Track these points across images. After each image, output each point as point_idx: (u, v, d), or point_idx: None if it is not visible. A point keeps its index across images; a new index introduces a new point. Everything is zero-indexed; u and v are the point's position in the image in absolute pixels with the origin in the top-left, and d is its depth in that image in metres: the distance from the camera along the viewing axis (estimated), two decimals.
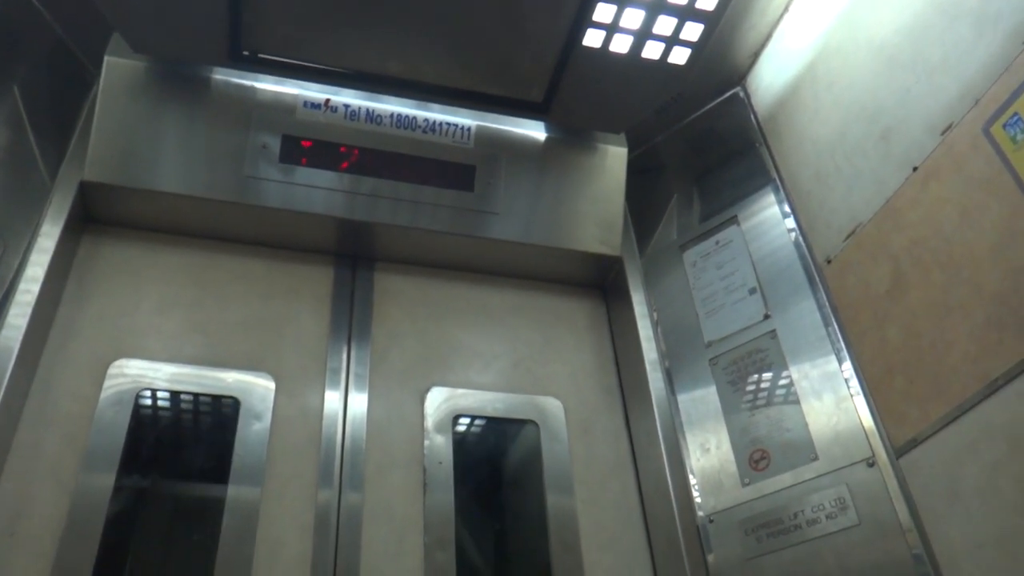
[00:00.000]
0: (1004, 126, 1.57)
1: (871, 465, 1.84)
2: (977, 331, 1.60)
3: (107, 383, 2.04)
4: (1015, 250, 1.53)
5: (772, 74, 2.40)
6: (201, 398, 2.12)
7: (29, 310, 1.95)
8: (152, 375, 2.08)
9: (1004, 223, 1.56)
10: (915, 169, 1.81)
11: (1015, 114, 1.55)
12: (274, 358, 2.22)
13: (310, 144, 2.29)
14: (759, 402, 2.12)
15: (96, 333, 2.12)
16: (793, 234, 2.22)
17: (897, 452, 1.80)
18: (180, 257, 2.32)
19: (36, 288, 1.99)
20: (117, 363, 2.07)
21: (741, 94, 2.54)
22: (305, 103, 2.30)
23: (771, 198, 2.33)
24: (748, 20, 2.37)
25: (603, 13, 2.06)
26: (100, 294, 2.19)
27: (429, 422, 2.24)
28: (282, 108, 2.28)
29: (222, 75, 2.25)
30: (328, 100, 2.32)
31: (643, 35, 2.12)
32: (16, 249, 2.06)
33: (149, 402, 2.08)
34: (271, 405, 2.13)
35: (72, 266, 2.21)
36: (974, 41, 1.68)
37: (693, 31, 2.12)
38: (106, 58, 2.17)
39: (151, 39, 2.12)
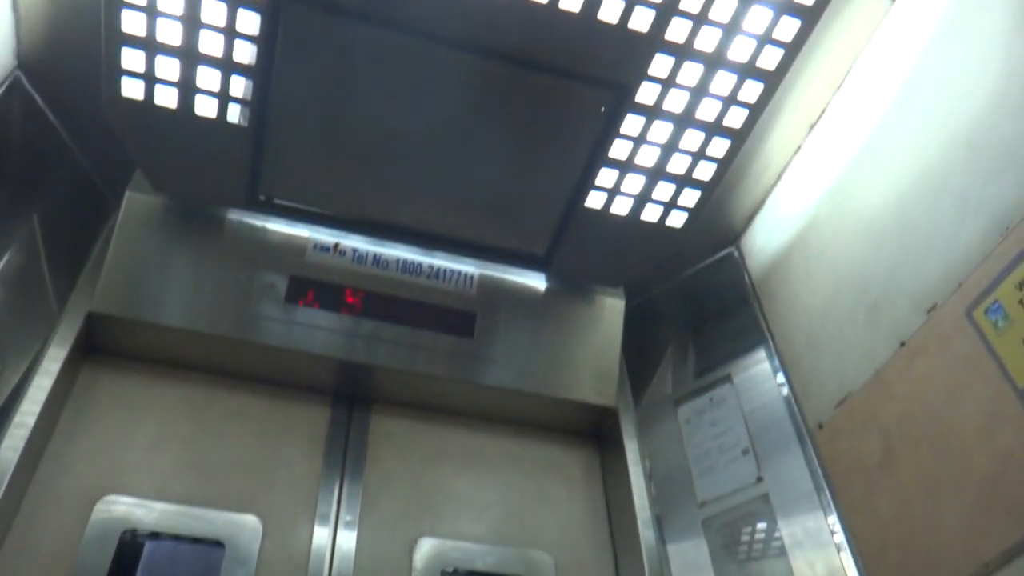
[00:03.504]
0: (986, 312, 1.63)
1: None
2: (968, 511, 1.60)
3: (93, 518, 2.01)
4: (1001, 434, 1.56)
5: (765, 238, 2.50)
6: (186, 540, 2.08)
7: (22, 443, 1.93)
8: (139, 513, 2.05)
9: (990, 406, 1.59)
10: (903, 344, 1.86)
11: (996, 301, 1.62)
12: (264, 500, 2.19)
13: (316, 286, 2.34)
14: (751, 567, 2.10)
15: (87, 467, 2.10)
16: (786, 397, 2.26)
17: None
18: (178, 391, 2.33)
19: (32, 419, 1.99)
20: (105, 499, 2.05)
21: (736, 254, 2.63)
22: (315, 246, 2.37)
23: (764, 359, 2.38)
24: (743, 187, 2.48)
25: (605, 178, 2.18)
26: (95, 426, 2.19)
27: (417, 574, 2.20)
28: (292, 250, 2.35)
29: (236, 215, 2.33)
30: (337, 244, 2.39)
31: (643, 199, 2.22)
32: (14, 371, 2.08)
33: (132, 541, 2.04)
34: (257, 549, 2.09)
35: (70, 395, 2.22)
36: (957, 226, 1.76)
37: (690, 197, 2.23)
38: (127, 193, 2.25)
39: (173, 180, 2.21)
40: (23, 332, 2.14)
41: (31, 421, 1.99)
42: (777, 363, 2.33)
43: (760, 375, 2.38)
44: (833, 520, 1.99)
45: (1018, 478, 1.51)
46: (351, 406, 2.49)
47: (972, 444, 1.62)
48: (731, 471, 2.28)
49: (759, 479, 2.21)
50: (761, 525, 2.14)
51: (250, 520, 2.14)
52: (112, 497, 2.06)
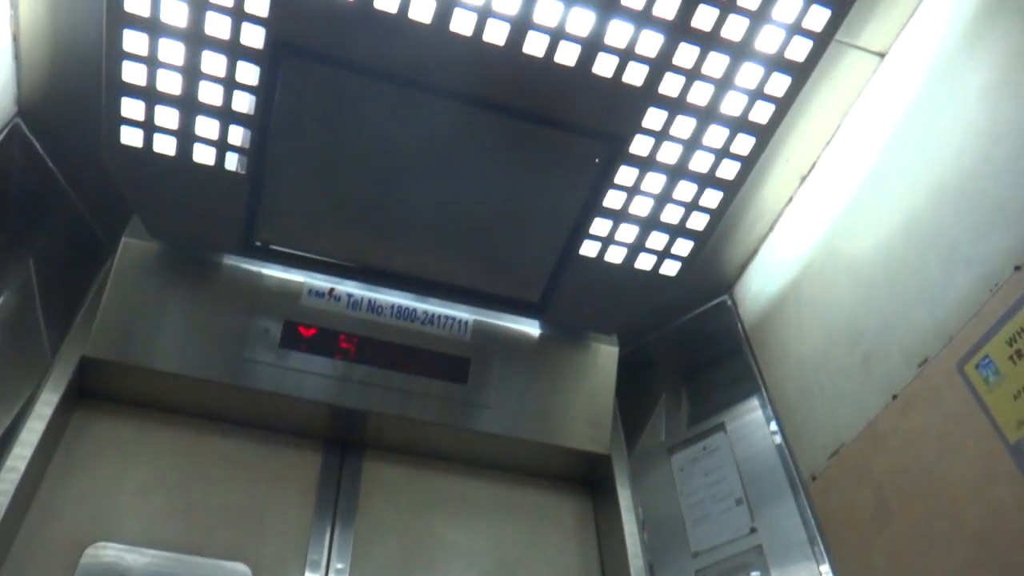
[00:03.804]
0: (977, 367, 1.64)
1: None
2: (960, 568, 1.60)
3: (82, 564, 2.00)
4: (993, 490, 1.56)
5: (758, 287, 2.51)
6: None
7: (13, 487, 1.92)
8: (128, 560, 2.04)
9: (982, 462, 1.60)
10: (895, 397, 1.86)
11: (987, 356, 1.63)
12: (254, 547, 2.18)
13: (311, 331, 2.35)
14: None
15: (76, 512, 2.09)
16: (779, 447, 2.25)
17: None
18: (170, 436, 2.32)
19: (23, 464, 1.98)
20: (94, 546, 2.03)
21: (729, 302, 2.65)
22: (310, 291, 2.39)
23: (757, 408, 2.38)
24: (736, 236, 2.51)
25: (600, 227, 2.20)
26: (85, 471, 2.18)
27: None
28: (287, 295, 2.36)
29: (232, 261, 2.35)
30: (332, 289, 2.41)
31: (636, 248, 2.24)
32: (6, 415, 2.07)
33: None
34: None
35: (62, 440, 2.21)
36: (946, 282, 1.78)
37: (684, 247, 2.25)
38: (123, 239, 2.27)
39: (169, 226, 2.23)
40: (16, 376, 2.14)
41: (22, 466, 1.98)
42: (770, 412, 2.33)
43: (753, 424, 2.38)
44: (827, 572, 1.98)
45: (1010, 535, 1.51)
46: (343, 452, 2.48)
47: (964, 500, 1.62)
48: (724, 521, 2.27)
49: (752, 530, 2.20)
50: None
51: (240, 568, 2.12)
52: (101, 543, 2.05)
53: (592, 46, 1.80)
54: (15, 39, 1.98)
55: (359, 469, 2.46)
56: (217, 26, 1.77)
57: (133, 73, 1.83)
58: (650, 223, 2.18)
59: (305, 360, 2.33)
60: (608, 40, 1.80)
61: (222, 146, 1.99)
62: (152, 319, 2.24)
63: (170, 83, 1.86)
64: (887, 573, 1.79)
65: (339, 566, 2.22)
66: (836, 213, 2.21)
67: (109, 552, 2.04)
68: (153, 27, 1.75)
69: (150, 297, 2.25)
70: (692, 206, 2.14)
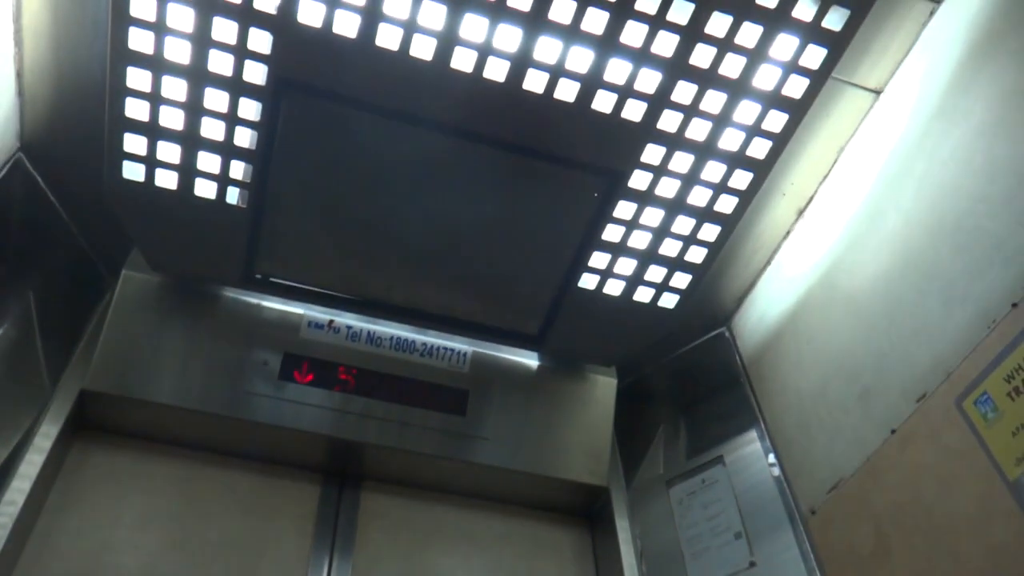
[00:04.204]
0: (975, 403, 1.65)
1: None
2: None
3: None
4: (992, 528, 1.56)
5: (756, 320, 2.52)
6: None
7: (11, 521, 1.91)
8: None
9: (981, 499, 1.60)
10: (893, 432, 1.87)
11: (985, 392, 1.63)
12: None
13: (310, 363, 2.35)
14: None
15: (74, 546, 2.07)
16: (778, 479, 2.25)
17: None
18: (168, 468, 2.31)
19: (22, 497, 1.97)
20: None
21: (727, 334, 2.65)
22: (309, 323, 2.39)
23: (756, 441, 2.38)
24: (734, 269, 2.52)
25: (598, 260, 2.21)
26: (83, 504, 2.16)
27: None
28: (286, 327, 2.36)
29: (231, 293, 2.35)
30: (332, 321, 2.41)
31: (635, 281, 2.25)
32: (5, 447, 2.07)
33: None
34: None
35: (60, 472, 2.20)
36: (944, 317, 1.79)
37: (682, 280, 2.26)
38: (124, 272, 2.27)
39: (170, 259, 2.23)
40: (15, 408, 2.13)
41: (21, 499, 1.97)
42: (769, 444, 2.33)
43: (752, 456, 2.37)
44: None
45: (1011, 573, 1.51)
46: (341, 484, 2.48)
47: (964, 537, 1.62)
48: (724, 555, 2.26)
49: (752, 563, 2.19)
50: None
51: None
52: None
53: (591, 83, 1.82)
54: (19, 75, 2.00)
55: (357, 501, 2.46)
56: (220, 63, 1.79)
57: (136, 109, 1.85)
58: (648, 256, 2.19)
59: (304, 392, 2.32)
60: (607, 77, 1.82)
61: (223, 180, 2.00)
62: (152, 352, 2.24)
63: (173, 119, 1.87)
64: None
65: None
66: (834, 247, 2.22)
67: None
68: (157, 64, 1.77)
69: (150, 330, 2.25)
70: (690, 240, 2.15)
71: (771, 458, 2.30)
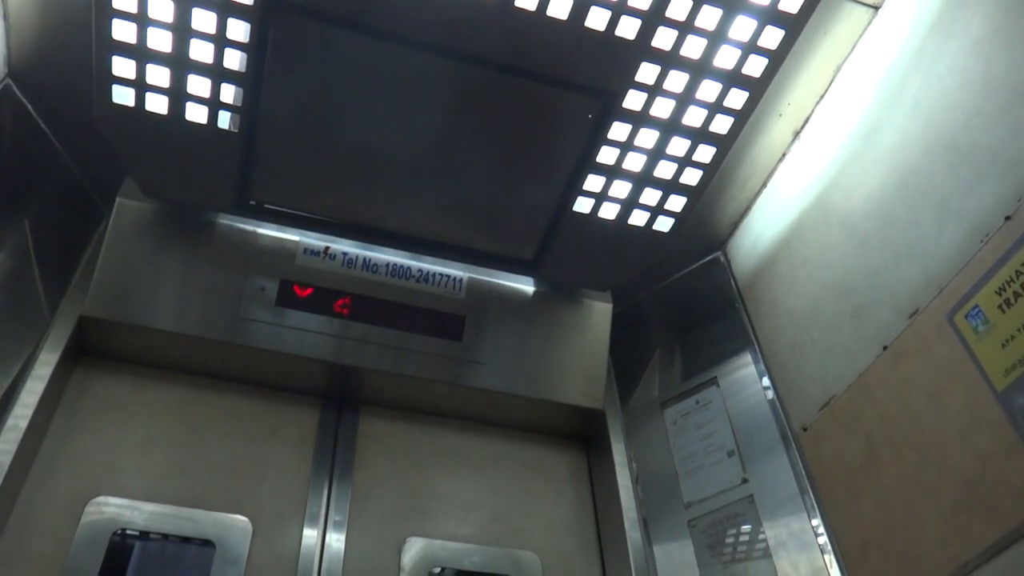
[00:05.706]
0: (966, 316, 1.67)
1: None
2: (947, 514, 1.64)
3: (84, 520, 2.03)
4: (980, 437, 1.59)
5: (751, 244, 2.53)
6: (176, 540, 2.10)
7: (15, 446, 1.95)
8: (129, 514, 2.07)
9: (969, 409, 1.62)
10: (885, 348, 1.89)
11: (976, 305, 1.65)
12: (253, 501, 2.21)
13: (307, 289, 2.36)
14: (735, 568, 2.13)
15: (78, 469, 2.12)
16: (771, 399, 2.29)
17: None
18: (168, 393, 2.35)
19: (25, 423, 2.00)
20: (95, 500, 2.06)
21: (722, 259, 2.66)
22: (305, 250, 2.39)
23: (749, 362, 2.41)
24: (729, 192, 2.51)
25: (593, 183, 2.20)
26: (86, 428, 2.20)
27: (405, 574, 2.22)
28: (283, 254, 2.37)
29: (227, 220, 2.35)
30: (328, 248, 2.41)
31: (630, 204, 2.25)
32: (6, 375, 2.09)
33: (122, 542, 2.06)
34: (247, 550, 2.11)
35: (62, 398, 2.23)
36: (937, 234, 1.80)
37: (676, 203, 2.25)
38: (118, 199, 2.26)
39: (163, 186, 2.22)
40: (14, 336, 2.15)
41: (23, 424, 2.00)
42: (762, 366, 2.36)
43: (746, 378, 2.41)
44: (817, 522, 2.02)
45: (996, 480, 1.54)
46: (340, 408, 2.51)
47: (952, 447, 1.66)
48: (717, 473, 2.31)
49: (744, 480, 2.23)
50: (746, 527, 2.17)
51: (240, 520, 2.15)
52: (103, 499, 2.08)
53: None
54: (2, 1, 1.96)
55: (356, 425, 2.49)
56: None
57: (123, 31, 1.82)
58: (643, 179, 2.18)
59: (301, 318, 2.34)
60: None
61: (214, 104, 1.98)
62: (149, 278, 2.25)
63: (161, 41, 1.85)
64: (875, 520, 1.83)
65: (337, 518, 2.26)
66: (829, 168, 2.22)
67: (111, 507, 2.07)
68: None
69: (146, 256, 2.26)
70: (685, 161, 2.14)
71: (764, 379, 2.33)
